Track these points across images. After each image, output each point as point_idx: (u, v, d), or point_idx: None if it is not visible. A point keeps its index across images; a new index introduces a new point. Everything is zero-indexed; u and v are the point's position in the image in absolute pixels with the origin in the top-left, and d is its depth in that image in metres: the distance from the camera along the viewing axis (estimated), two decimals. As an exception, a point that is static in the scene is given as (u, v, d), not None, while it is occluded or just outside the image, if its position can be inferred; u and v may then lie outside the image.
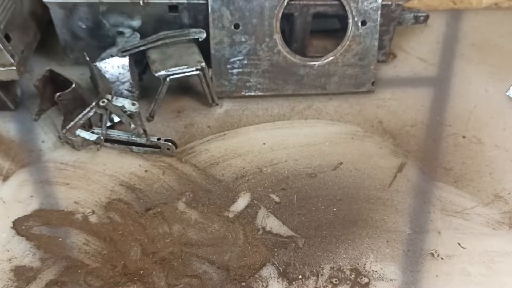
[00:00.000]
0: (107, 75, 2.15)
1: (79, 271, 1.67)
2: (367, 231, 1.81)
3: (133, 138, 2.03)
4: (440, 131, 2.22)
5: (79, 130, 2.01)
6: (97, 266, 1.68)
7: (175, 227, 1.80)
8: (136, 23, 2.29)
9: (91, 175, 1.98)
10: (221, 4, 2.17)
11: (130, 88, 2.23)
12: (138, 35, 2.26)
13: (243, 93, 2.32)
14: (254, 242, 1.76)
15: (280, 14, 2.22)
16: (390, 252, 1.75)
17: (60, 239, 1.76)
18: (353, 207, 1.89)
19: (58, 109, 2.16)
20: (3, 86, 2.13)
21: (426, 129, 2.22)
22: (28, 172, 1.98)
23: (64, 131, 1.99)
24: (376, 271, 1.69)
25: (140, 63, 2.31)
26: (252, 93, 2.33)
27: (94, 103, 1.97)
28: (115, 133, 2.05)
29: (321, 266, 1.70)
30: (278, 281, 1.65)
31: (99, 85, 2.05)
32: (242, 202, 1.90)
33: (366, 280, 1.66)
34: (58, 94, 2.00)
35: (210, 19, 2.19)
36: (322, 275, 1.67)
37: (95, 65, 2.12)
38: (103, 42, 2.31)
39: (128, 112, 2.02)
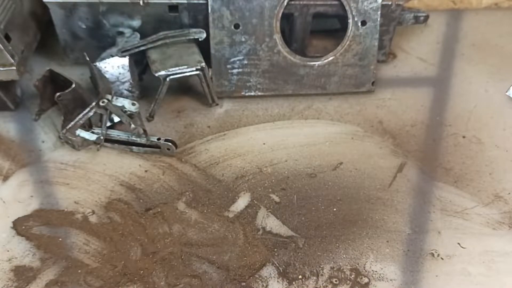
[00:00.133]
0: (107, 75, 2.15)
1: (79, 271, 1.67)
2: (367, 231, 1.81)
3: (133, 138, 2.03)
4: (440, 131, 2.22)
5: (79, 130, 2.01)
6: (97, 266, 1.68)
7: (175, 227, 1.80)
8: (136, 23, 2.29)
9: (91, 175, 1.98)
10: (221, 4, 2.17)
11: (130, 88, 2.23)
12: (138, 35, 2.26)
13: (243, 93, 2.32)
14: (254, 242, 1.76)
15: (280, 14, 2.22)
16: (390, 252, 1.75)
17: (60, 239, 1.76)
18: (353, 207, 1.89)
19: (58, 109, 2.16)
20: (3, 86, 2.13)
21: (426, 129, 2.22)
22: (28, 172, 1.98)
23: (64, 131, 1.99)
24: (376, 271, 1.69)
25: (140, 63, 2.31)
26: (252, 93, 2.33)
27: (94, 103, 1.97)
28: (115, 133, 2.05)
29: (321, 266, 1.70)
30: (278, 281, 1.66)
31: (99, 85, 2.05)
32: (242, 202, 1.90)
33: (366, 280, 1.66)
34: (58, 94, 2.00)
35: (210, 19, 2.19)
36: (322, 275, 1.67)
37: (95, 65, 2.12)
38: (103, 42, 2.31)
39: (128, 112, 2.02)
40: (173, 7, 2.25)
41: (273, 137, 2.16)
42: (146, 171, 2.00)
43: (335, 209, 1.88)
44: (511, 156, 2.10)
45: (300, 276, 1.67)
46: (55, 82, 2.12)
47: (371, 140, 2.16)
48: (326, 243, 1.77)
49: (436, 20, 2.83)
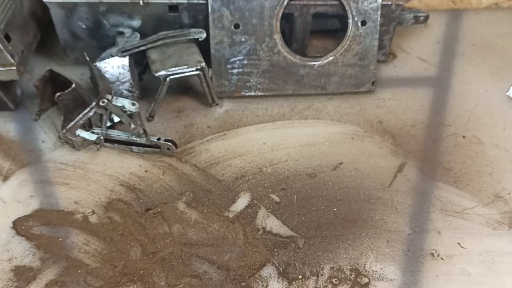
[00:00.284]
0: (107, 75, 2.15)
1: (79, 271, 1.67)
2: (367, 231, 1.81)
3: (133, 138, 2.03)
4: (440, 131, 2.22)
5: (79, 130, 2.01)
6: (97, 266, 1.68)
7: (175, 227, 1.80)
8: (136, 23, 2.29)
9: (91, 175, 1.98)
10: (221, 4, 2.17)
11: (130, 88, 2.23)
12: (138, 35, 2.26)
13: (243, 93, 2.32)
14: (254, 242, 1.76)
15: (280, 14, 2.22)
16: (390, 252, 1.75)
17: (60, 239, 1.76)
18: (353, 207, 1.89)
19: (58, 109, 2.16)
20: (3, 86, 2.13)
21: (426, 129, 2.22)
22: (28, 172, 1.98)
23: (64, 131, 1.99)
24: (376, 271, 1.69)
25: (140, 63, 2.31)
26: (252, 93, 2.33)
27: (94, 103, 1.97)
28: (115, 133, 2.05)
29: (321, 266, 1.70)
30: (278, 281, 1.66)
31: (99, 85, 2.05)
32: (242, 202, 1.90)
33: (366, 280, 1.66)
34: (58, 94, 2.00)
35: (210, 19, 2.19)
36: (322, 275, 1.67)
37: (95, 65, 2.12)
38: (103, 42, 2.31)
39: (128, 112, 2.02)
40: (173, 7, 2.25)
41: (273, 137, 2.16)
42: (146, 171, 2.00)
43: (335, 209, 1.88)
44: (511, 156, 2.10)
45: (300, 276, 1.67)
46: (55, 82, 2.12)
47: (371, 140, 2.16)
48: (326, 243, 1.77)
49: (436, 20, 2.83)
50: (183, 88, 2.37)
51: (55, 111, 2.21)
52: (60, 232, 1.78)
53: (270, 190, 1.94)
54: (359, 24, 2.26)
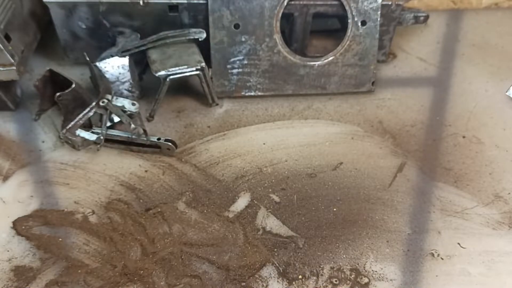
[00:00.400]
0: (107, 75, 2.15)
1: (79, 271, 1.67)
2: (367, 231, 1.81)
3: (133, 138, 2.03)
4: (440, 131, 2.22)
5: (79, 130, 2.01)
6: (97, 266, 1.68)
7: (175, 227, 1.80)
8: (136, 23, 2.28)
9: (91, 175, 1.98)
10: (221, 4, 2.17)
11: (130, 88, 2.23)
12: (138, 35, 2.26)
13: (243, 93, 2.32)
14: (254, 242, 1.76)
15: (280, 14, 2.22)
16: (390, 252, 1.75)
17: (60, 239, 1.76)
18: (353, 207, 1.89)
19: (58, 109, 2.16)
20: (3, 86, 2.13)
21: (426, 129, 2.22)
22: (28, 172, 1.98)
23: (64, 131, 1.99)
24: (376, 271, 1.69)
25: (140, 63, 2.31)
26: (252, 93, 2.33)
27: (94, 103, 1.97)
28: (115, 133, 2.05)
29: (321, 266, 1.70)
30: (278, 281, 1.66)
31: (99, 85, 2.05)
32: (242, 202, 1.90)
33: (366, 280, 1.66)
34: (58, 94, 2.00)
35: (210, 19, 2.19)
36: (322, 275, 1.67)
37: (95, 65, 2.12)
38: (103, 42, 2.31)
39: (128, 112, 2.02)
40: (173, 7, 2.25)
41: (273, 137, 2.16)
42: (146, 171, 2.00)
43: (335, 209, 1.88)
44: (511, 156, 2.10)
45: (300, 276, 1.67)
46: (55, 82, 2.12)
47: (371, 140, 2.16)
48: (326, 243, 1.77)
49: (436, 20, 2.83)
50: (183, 88, 2.37)
51: (55, 111, 2.21)
52: (60, 232, 1.78)
53: (270, 190, 1.94)
54: (359, 24, 2.26)
